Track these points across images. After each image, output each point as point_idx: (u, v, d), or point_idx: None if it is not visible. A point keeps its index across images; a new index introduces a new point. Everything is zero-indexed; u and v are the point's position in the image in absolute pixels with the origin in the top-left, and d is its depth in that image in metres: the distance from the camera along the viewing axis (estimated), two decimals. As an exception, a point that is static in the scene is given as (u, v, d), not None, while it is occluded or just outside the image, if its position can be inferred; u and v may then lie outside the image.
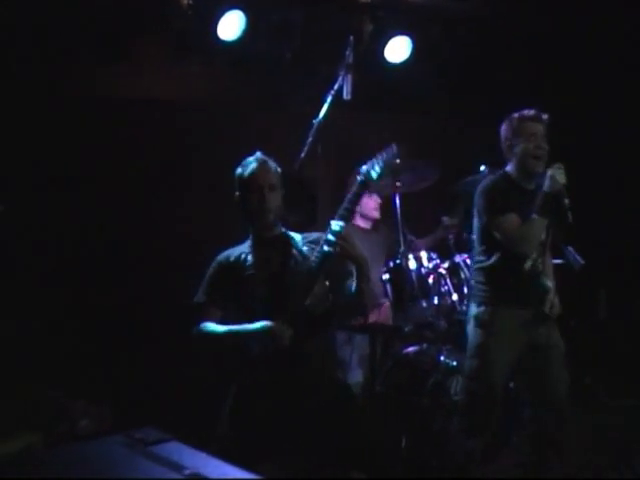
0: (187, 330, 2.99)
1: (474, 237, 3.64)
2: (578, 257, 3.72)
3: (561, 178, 3.36)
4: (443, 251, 4.56)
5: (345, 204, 2.86)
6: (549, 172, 3.40)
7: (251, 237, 3.11)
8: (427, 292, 4.30)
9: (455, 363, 4.09)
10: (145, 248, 4.54)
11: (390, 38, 4.91)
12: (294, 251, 3.00)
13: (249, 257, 3.02)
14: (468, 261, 4.34)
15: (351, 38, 3.85)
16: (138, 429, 2.16)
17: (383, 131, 4.94)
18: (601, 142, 5.49)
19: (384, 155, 2.90)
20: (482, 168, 4.28)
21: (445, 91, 5.26)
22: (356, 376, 4.49)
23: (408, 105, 5.27)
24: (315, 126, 3.79)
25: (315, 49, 4.75)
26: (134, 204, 4.54)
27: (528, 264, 3.44)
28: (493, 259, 3.50)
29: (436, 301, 4.28)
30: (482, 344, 3.49)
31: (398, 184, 4.37)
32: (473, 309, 3.59)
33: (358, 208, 4.93)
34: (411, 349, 4.39)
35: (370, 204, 4.91)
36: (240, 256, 3.04)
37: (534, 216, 3.38)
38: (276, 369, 2.80)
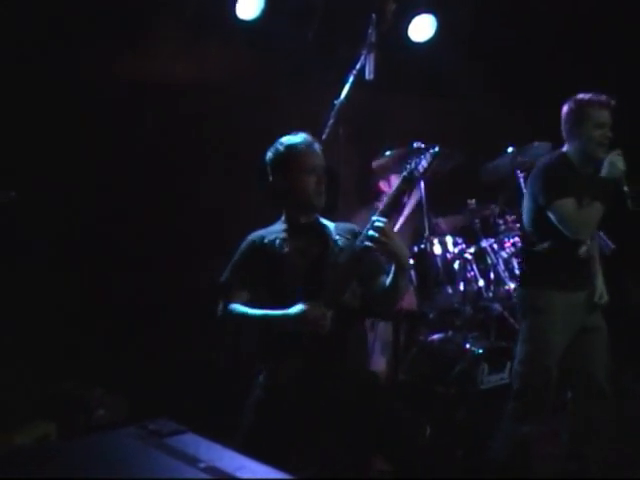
0: (205, 317, 2.95)
1: (525, 219, 3.56)
2: (609, 241, 3.68)
3: (621, 165, 3.32)
4: (469, 236, 4.52)
5: (387, 200, 2.79)
6: (608, 158, 3.35)
7: (285, 221, 3.02)
8: (453, 278, 4.29)
9: (481, 351, 4.05)
10: (162, 232, 4.49)
11: (414, 16, 4.86)
12: (330, 241, 2.94)
13: (285, 243, 2.93)
14: (495, 246, 4.33)
15: (373, 16, 3.80)
16: (152, 420, 2.12)
17: (407, 113, 4.91)
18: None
19: (429, 155, 2.80)
20: (509, 149, 4.26)
21: (471, 71, 5.14)
22: (378, 364, 4.45)
23: (432, 86, 5.22)
24: (336, 108, 3.73)
25: (336, 28, 4.69)
26: (151, 188, 4.49)
27: (583, 249, 3.41)
28: (547, 243, 3.44)
29: (462, 287, 4.28)
30: (536, 327, 3.46)
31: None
32: (525, 293, 3.55)
33: (389, 190, 4.89)
34: (436, 336, 4.37)
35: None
36: (275, 240, 2.95)
37: (595, 202, 3.33)
38: (311, 358, 2.73)
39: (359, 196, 5.03)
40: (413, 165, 2.80)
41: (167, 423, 2.10)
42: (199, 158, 4.65)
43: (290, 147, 2.95)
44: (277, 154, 2.98)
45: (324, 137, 3.69)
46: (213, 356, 4.23)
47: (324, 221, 3.05)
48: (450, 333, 4.35)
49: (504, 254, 4.29)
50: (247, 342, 3.43)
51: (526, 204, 3.53)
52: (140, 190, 4.45)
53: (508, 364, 3.96)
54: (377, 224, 2.72)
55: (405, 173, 2.80)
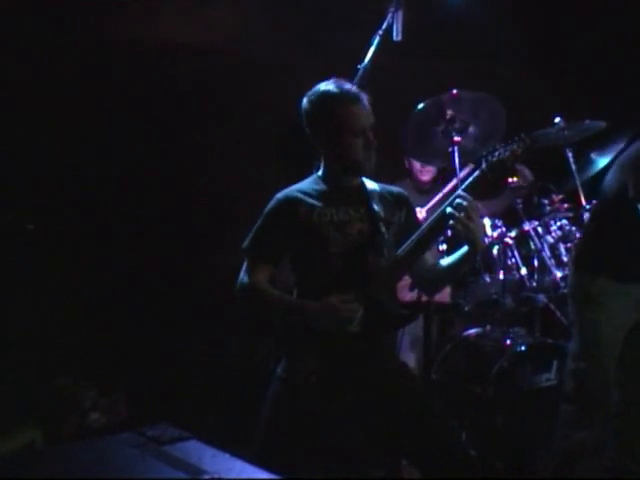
0: (213, 313, 2.92)
1: (602, 202, 3.51)
2: None
3: None
4: (510, 218, 4.47)
5: (474, 178, 2.69)
6: None
7: (323, 180, 2.89)
8: (491, 265, 4.27)
9: (524, 348, 3.99)
10: (164, 219, 4.58)
11: (448, -31, 4.79)
12: (377, 214, 2.81)
13: (322, 212, 2.80)
14: (539, 229, 4.28)
15: (402, -30, 3.70)
16: (151, 425, 2.11)
17: (438, 80, 4.85)
18: None
19: (514, 145, 2.69)
20: (557, 120, 4.23)
21: (515, 34, 5.08)
22: (408, 362, 4.31)
23: (470, 50, 5.14)
24: (360, 74, 3.68)
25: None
26: (152, 157, 4.53)
27: None
28: (622, 233, 3.39)
29: (501, 276, 4.24)
30: (593, 320, 3.41)
31: (457, 138, 4.20)
32: (581, 281, 3.48)
33: (408, 169, 5.00)
34: (472, 331, 4.34)
35: (415, 166, 4.95)
36: (313, 207, 2.80)
37: None
38: (330, 359, 2.69)
39: (386, 172, 4.95)
40: (494, 157, 2.69)
41: (168, 428, 2.09)
42: (204, 131, 4.65)
43: (334, 101, 2.80)
44: (317, 107, 2.84)
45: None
46: (220, 357, 4.26)
47: (369, 184, 2.92)
48: (488, 327, 4.31)
49: (550, 238, 4.24)
50: (265, 325, 3.42)
51: (607, 186, 3.44)
52: (140, 159, 4.51)
53: (555, 363, 3.92)
54: (461, 202, 2.62)
55: (483, 166, 2.68)
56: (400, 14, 3.70)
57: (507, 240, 4.27)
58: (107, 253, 4.42)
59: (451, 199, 2.66)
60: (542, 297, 4.34)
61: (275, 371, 2.81)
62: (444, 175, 4.84)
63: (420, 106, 4.15)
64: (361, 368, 2.71)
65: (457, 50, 5.14)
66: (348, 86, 2.85)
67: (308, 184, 2.91)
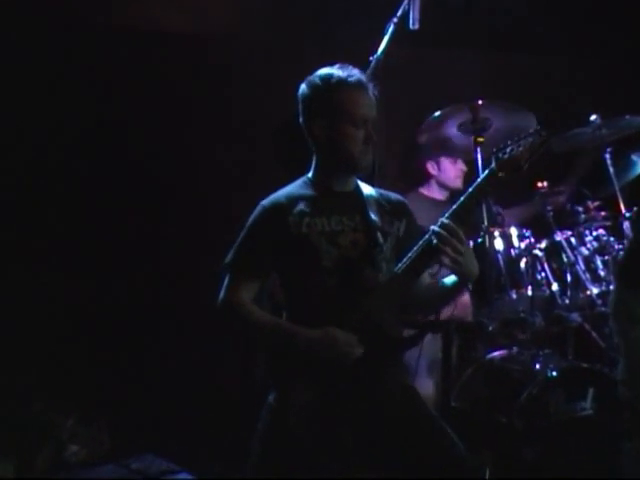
0: (199, 337, 2.91)
1: None
2: None
3: None
4: (539, 227, 4.44)
5: (463, 200, 2.73)
6: None
7: (313, 183, 2.90)
8: (518, 280, 4.21)
9: (555, 373, 3.93)
10: (154, 227, 4.64)
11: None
12: (374, 224, 2.82)
13: (312, 221, 2.80)
14: (573, 240, 4.25)
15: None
16: (137, 456, 2.08)
17: (461, 72, 4.86)
18: None
19: (530, 140, 2.71)
20: (593, 117, 4.22)
21: (545, 21, 5.08)
22: (425, 387, 4.33)
23: (495, 39, 5.16)
24: (372, 65, 3.68)
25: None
26: (142, 149, 4.61)
27: None
28: None
29: (530, 292, 4.19)
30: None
31: (481, 139, 4.19)
32: (624, 298, 3.40)
33: (437, 174, 5.00)
34: (497, 354, 4.28)
35: (452, 172, 4.92)
36: (302, 215, 2.80)
37: None
38: (327, 390, 2.67)
39: (400, 179, 5.02)
40: (505, 153, 2.69)
41: (155, 460, 2.06)
42: (201, 122, 4.69)
43: (336, 85, 2.80)
44: (316, 91, 2.84)
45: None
46: (216, 375, 4.31)
47: (366, 189, 2.92)
48: (515, 350, 4.27)
49: (584, 250, 4.21)
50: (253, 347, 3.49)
51: None
52: (131, 153, 4.58)
53: (591, 390, 3.87)
54: (443, 231, 2.65)
55: (493, 165, 2.70)
56: (417, 0, 3.69)
57: (536, 252, 4.22)
58: (87, 271, 4.46)
59: (437, 226, 2.67)
60: (576, 316, 4.28)
61: (267, 400, 2.77)
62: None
63: (437, 114, 4.21)
64: (360, 399, 2.70)
65: (481, 40, 5.15)
66: (353, 71, 2.85)
67: (296, 188, 2.90)
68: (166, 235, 4.63)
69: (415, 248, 2.73)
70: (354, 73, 2.84)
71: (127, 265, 4.53)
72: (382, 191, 2.97)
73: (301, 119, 2.89)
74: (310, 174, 2.93)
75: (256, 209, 2.86)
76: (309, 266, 2.77)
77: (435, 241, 2.66)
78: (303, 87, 2.88)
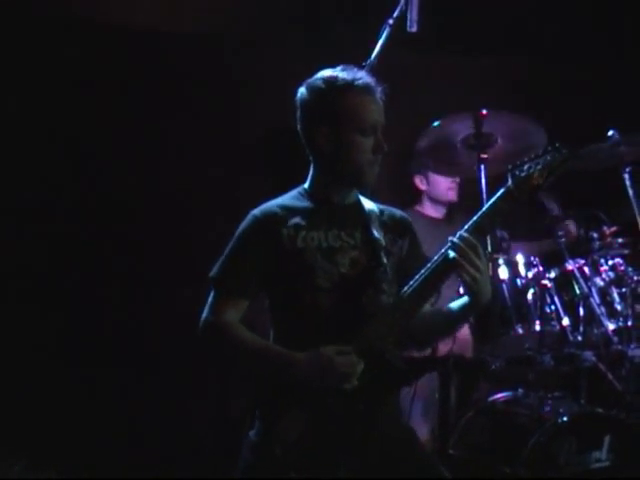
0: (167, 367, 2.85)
1: None
2: None
3: None
4: (549, 255, 4.48)
5: (483, 215, 2.71)
6: None
7: (309, 194, 2.86)
8: (525, 314, 4.16)
9: (566, 418, 3.87)
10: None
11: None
12: (376, 242, 2.80)
13: (308, 235, 2.76)
14: (586, 269, 4.22)
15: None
16: None
17: (462, 79, 4.83)
18: None
19: (547, 157, 2.71)
20: (610, 133, 4.20)
21: (555, 23, 5.13)
22: (420, 433, 4.26)
23: (500, 44, 5.20)
24: (366, 70, 3.52)
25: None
26: (114, 169, 4.65)
27: None
28: None
29: (538, 327, 4.14)
30: None
31: (484, 155, 4.20)
32: None
33: (427, 189, 5.08)
34: (501, 395, 4.27)
35: (442, 184, 4.96)
36: (297, 228, 2.76)
37: None
38: (319, 420, 2.62)
39: (394, 193, 4.98)
40: (522, 171, 2.69)
41: None
42: (182, 125, 4.73)
43: (342, 89, 2.74)
44: (318, 96, 2.78)
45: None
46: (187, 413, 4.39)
47: (367, 203, 2.87)
48: (520, 392, 4.24)
49: (599, 281, 4.18)
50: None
51: None
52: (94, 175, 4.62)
53: (607, 439, 3.83)
54: (463, 244, 2.63)
55: (510, 184, 2.69)
56: (415, 0, 3.68)
57: (545, 282, 4.17)
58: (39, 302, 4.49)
59: (455, 239, 2.66)
60: (589, 355, 4.24)
61: (247, 436, 2.74)
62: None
63: (435, 124, 4.22)
64: (355, 436, 2.64)
65: (483, 44, 5.19)
66: (360, 73, 2.80)
67: (291, 200, 2.86)
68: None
69: (427, 267, 2.71)
70: (361, 75, 2.79)
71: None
72: (384, 206, 2.94)
73: (300, 126, 2.85)
74: (307, 185, 2.89)
75: (246, 218, 2.82)
76: (303, 285, 2.73)
77: (453, 255, 2.63)
78: (303, 91, 2.83)
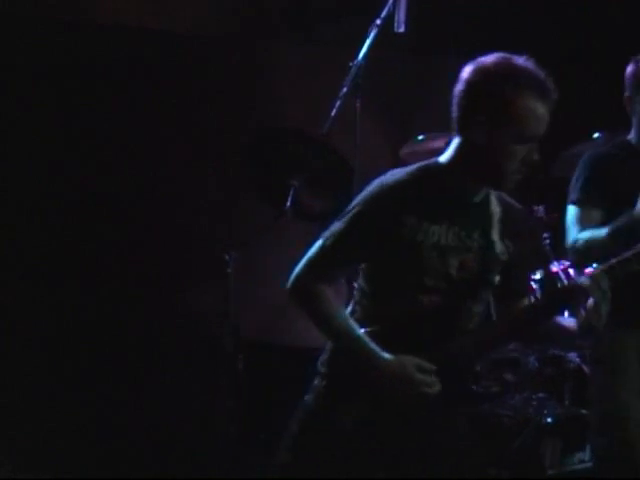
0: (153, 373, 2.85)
1: None
2: None
3: None
4: None
5: (622, 259, 2.65)
6: None
7: (437, 186, 2.64)
8: None
9: (551, 420, 3.96)
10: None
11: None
12: (491, 246, 2.66)
13: (429, 229, 2.59)
14: (571, 270, 4.15)
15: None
16: None
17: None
18: None
19: None
20: (596, 135, 4.25)
21: (545, 25, 5.14)
22: None
23: (488, 44, 5.04)
24: (353, 71, 3.70)
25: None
26: (95, 174, 4.64)
27: None
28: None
29: None
30: (604, 386, 3.46)
31: None
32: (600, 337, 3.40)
33: None
34: (486, 397, 4.28)
35: None
36: (420, 220, 2.58)
37: None
38: (384, 410, 2.59)
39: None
40: None
41: None
42: (171, 124, 4.72)
43: (523, 89, 2.49)
44: (496, 86, 2.52)
45: (334, 112, 3.70)
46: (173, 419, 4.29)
47: (493, 200, 2.69)
48: (505, 394, 4.28)
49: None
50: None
51: None
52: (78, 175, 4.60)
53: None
54: (595, 285, 2.59)
55: None
56: (403, 0, 3.71)
57: (530, 284, 4.08)
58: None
59: (597, 273, 2.60)
60: (574, 356, 4.28)
61: (314, 381, 2.70)
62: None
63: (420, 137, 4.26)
64: (414, 433, 2.62)
65: (474, 44, 5.07)
66: (544, 75, 2.54)
67: (419, 180, 2.64)
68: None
69: (541, 296, 2.80)
70: (544, 78, 2.54)
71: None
72: (511, 206, 2.74)
73: (456, 102, 2.57)
74: (444, 159, 2.65)
75: (374, 186, 2.62)
76: (410, 279, 2.62)
77: (587, 284, 2.60)
78: (472, 73, 2.56)
